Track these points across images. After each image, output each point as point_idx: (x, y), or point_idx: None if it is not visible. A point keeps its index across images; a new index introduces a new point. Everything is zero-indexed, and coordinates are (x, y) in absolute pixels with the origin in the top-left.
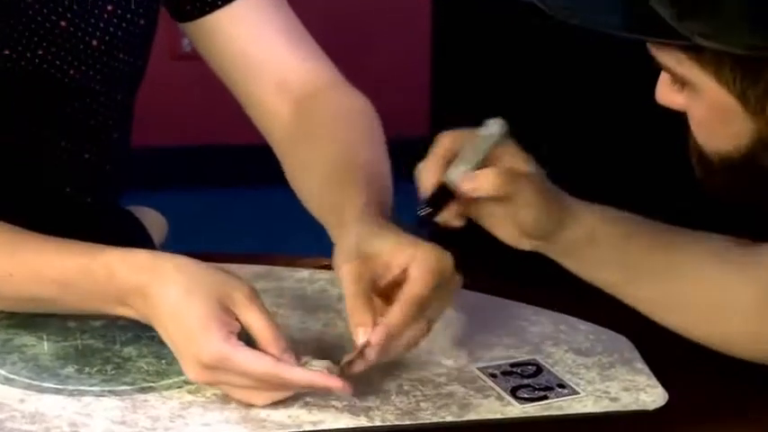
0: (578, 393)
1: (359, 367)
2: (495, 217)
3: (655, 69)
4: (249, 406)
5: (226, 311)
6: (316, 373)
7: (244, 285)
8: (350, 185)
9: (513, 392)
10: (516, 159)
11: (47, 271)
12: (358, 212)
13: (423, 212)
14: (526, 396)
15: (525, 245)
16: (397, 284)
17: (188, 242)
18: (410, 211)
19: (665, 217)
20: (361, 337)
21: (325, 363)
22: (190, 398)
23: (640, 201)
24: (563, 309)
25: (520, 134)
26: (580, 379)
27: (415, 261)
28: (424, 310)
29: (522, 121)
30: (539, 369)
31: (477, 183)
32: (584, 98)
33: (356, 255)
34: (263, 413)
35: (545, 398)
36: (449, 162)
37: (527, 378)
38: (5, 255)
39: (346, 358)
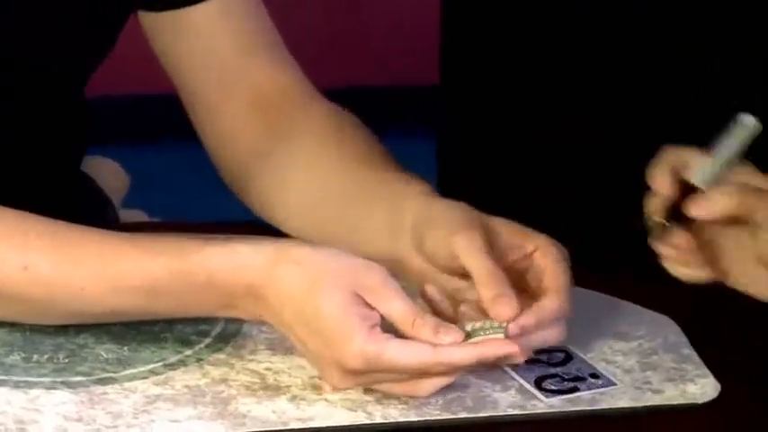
0: (614, 384)
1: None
2: (726, 240)
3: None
4: (229, 400)
5: (362, 303)
6: (484, 345)
7: (375, 270)
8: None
9: (538, 384)
10: (754, 177)
11: (128, 280)
12: (418, 195)
13: (653, 222)
14: (553, 388)
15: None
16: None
17: (153, 203)
18: (422, 162)
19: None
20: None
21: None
22: (156, 390)
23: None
24: (598, 286)
25: (530, 87)
26: (617, 368)
27: (540, 249)
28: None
29: (535, 72)
30: (568, 356)
31: (712, 201)
32: (596, 48)
33: (457, 226)
34: (244, 408)
35: (575, 390)
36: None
37: (554, 367)
38: (69, 263)
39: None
